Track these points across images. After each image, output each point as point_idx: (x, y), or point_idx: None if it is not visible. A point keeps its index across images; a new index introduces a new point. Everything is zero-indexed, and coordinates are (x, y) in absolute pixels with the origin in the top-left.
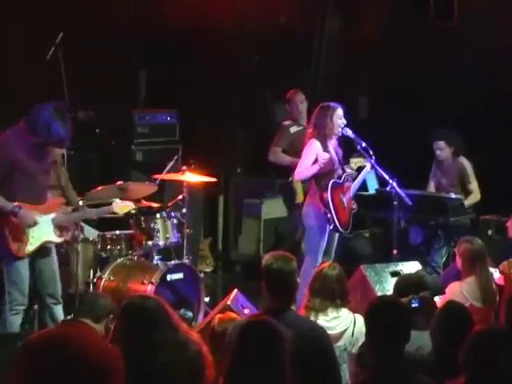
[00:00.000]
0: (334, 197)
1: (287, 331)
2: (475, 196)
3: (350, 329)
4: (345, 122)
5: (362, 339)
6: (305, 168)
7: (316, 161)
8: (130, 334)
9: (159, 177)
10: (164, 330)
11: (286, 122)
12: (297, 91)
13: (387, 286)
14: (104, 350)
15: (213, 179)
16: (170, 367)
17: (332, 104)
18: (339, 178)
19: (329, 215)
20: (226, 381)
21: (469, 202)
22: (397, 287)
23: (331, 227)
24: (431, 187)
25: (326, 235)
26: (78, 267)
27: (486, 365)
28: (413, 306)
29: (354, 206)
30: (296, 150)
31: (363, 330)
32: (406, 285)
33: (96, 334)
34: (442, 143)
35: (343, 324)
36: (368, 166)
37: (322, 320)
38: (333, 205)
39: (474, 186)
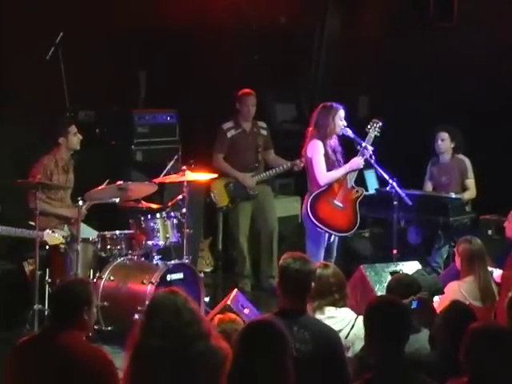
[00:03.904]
0: (319, 210)
1: (304, 333)
2: (471, 192)
3: (345, 331)
4: (345, 124)
5: (359, 343)
6: (327, 174)
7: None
8: (156, 329)
9: (159, 180)
10: (190, 323)
11: (225, 126)
12: (251, 93)
13: None
14: (94, 353)
15: (213, 175)
16: (197, 359)
17: (335, 105)
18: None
19: (321, 230)
20: (228, 380)
21: (464, 197)
22: (388, 287)
23: (326, 238)
24: (428, 188)
25: (326, 235)
26: (77, 267)
27: (484, 363)
28: (412, 307)
29: (359, 193)
30: (236, 155)
31: (362, 333)
32: (397, 285)
33: (82, 339)
34: (445, 134)
35: (338, 325)
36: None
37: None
38: (320, 218)
39: (471, 182)
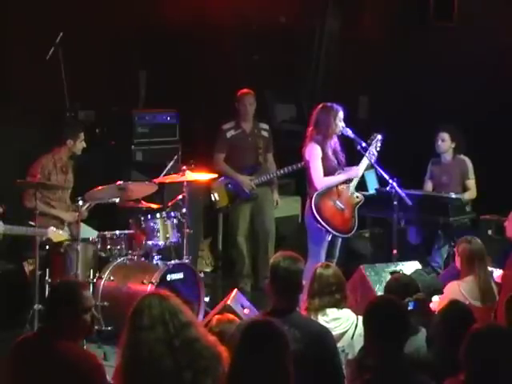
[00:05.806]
0: (323, 208)
1: (294, 331)
2: (472, 193)
3: (351, 331)
4: (343, 125)
5: (362, 342)
6: (324, 179)
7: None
8: (145, 324)
9: (159, 180)
10: (177, 312)
11: (225, 126)
12: (248, 92)
13: None
14: (83, 354)
15: (213, 175)
16: (191, 344)
17: (335, 106)
18: None
19: (323, 228)
20: (228, 381)
21: (464, 197)
22: (386, 288)
23: (329, 238)
24: (428, 187)
25: (328, 236)
26: (77, 267)
27: (484, 364)
28: (409, 308)
29: (359, 199)
30: (236, 155)
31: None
32: (395, 286)
33: (72, 341)
34: (445, 135)
35: (343, 326)
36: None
37: (322, 321)
38: (323, 217)
39: (471, 182)
